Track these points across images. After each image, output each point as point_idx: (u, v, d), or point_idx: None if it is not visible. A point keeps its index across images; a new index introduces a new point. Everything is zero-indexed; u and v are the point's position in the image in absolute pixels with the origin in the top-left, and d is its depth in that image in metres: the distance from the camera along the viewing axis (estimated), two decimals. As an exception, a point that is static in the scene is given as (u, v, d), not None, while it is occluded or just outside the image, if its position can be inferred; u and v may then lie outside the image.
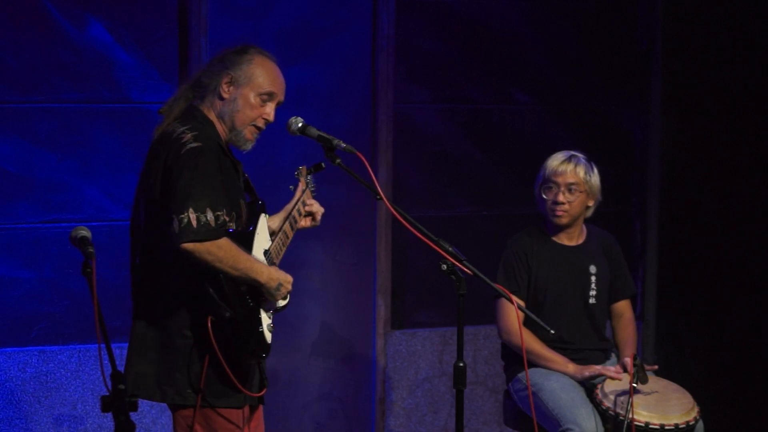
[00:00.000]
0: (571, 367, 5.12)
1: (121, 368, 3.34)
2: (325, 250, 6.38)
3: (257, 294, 4.01)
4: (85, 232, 3.53)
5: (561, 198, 5.19)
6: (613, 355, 5.35)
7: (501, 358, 5.38)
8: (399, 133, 6.39)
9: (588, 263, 5.30)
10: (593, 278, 5.29)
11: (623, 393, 4.88)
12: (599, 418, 4.95)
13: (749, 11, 6.60)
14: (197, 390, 3.97)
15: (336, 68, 6.30)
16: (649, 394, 4.93)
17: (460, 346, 4.12)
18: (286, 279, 4.06)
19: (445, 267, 4.09)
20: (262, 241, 4.11)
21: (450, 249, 4.11)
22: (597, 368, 5.07)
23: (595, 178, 5.23)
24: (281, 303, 4.15)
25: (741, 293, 6.67)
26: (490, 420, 6.62)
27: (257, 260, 4.02)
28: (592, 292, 5.29)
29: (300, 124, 4.25)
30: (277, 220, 4.32)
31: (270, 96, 4.12)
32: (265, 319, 4.04)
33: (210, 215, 3.87)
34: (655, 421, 4.81)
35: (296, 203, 4.35)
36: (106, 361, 3.29)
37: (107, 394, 3.26)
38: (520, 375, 5.17)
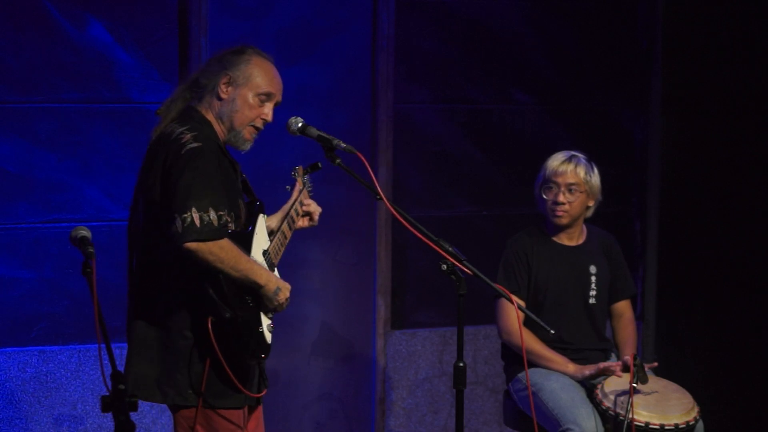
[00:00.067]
0: (571, 367, 5.12)
1: (121, 368, 3.34)
2: (325, 250, 6.38)
3: (257, 294, 4.01)
4: (85, 232, 3.53)
5: (561, 198, 5.19)
6: (613, 355, 5.35)
7: (501, 358, 5.38)
8: (399, 133, 6.39)
9: (588, 263, 5.30)
10: (593, 278, 5.29)
11: (623, 393, 4.88)
12: (599, 418, 4.95)
13: (749, 11, 6.61)
14: (198, 391, 3.97)
15: (336, 68, 6.30)
16: (649, 394, 4.93)
17: (460, 346, 4.12)
18: (285, 285, 4.06)
19: (445, 267, 4.09)
20: (260, 241, 4.11)
21: (450, 249, 4.11)
22: (597, 366, 5.07)
23: (595, 179, 5.23)
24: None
25: (741, 293, 6.67)
26: (490, 420, 6.62)
27: (257, 263, 4.02)
28: (592, 292, 5.29)
29: (300, 124, 4.25)
30: (274, 221, 4.32)
31: (268, 96, 4.12)
32: (265, 320, 4.04)
33: (213, 215, 3.87)
34: (655, 421, 4.81)
35: (294, 203, 4.35)
36: (106, 361, 3.29)
37: (107, 394, 3.26)
38: (520, 375, 5.17)
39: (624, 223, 6.86)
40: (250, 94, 4.10)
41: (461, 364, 4.12)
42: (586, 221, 5.35)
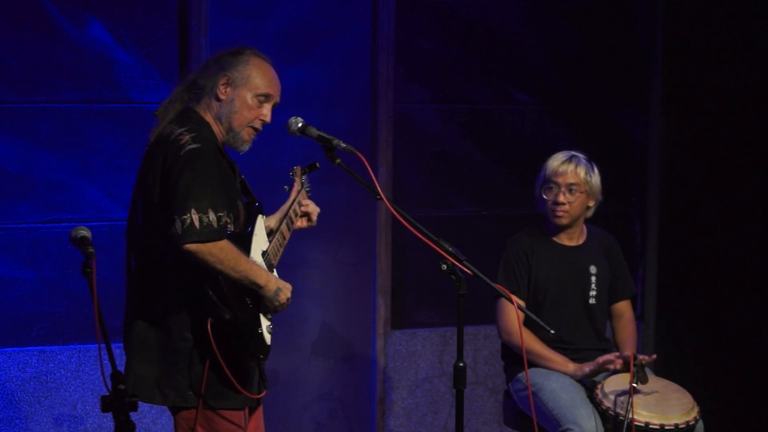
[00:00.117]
0: (571, 367, 5.12)
1: (121, 368, 3.34)
2: (325, 250, 6.38)
3: (256, 295, 4.01)
4: (85, 232, 3.53)
5: (561, 198, 5.19)
6: (613, 355, 5.35)
7: (501, 358, 5.38)
8: (399, 133, 6.38)
9: (588, 263, 5.30)
10: (593, 278, 5.29)
11: (623, 393, 4.88)
12: (599, 418, 4.94)
13: (749, 11, 6.60)
14: (198, 392, 3.96)
15: (336, 68, 6.30)
16: (649, 394, 4.93)
17: (460, 346, 4.12)
18: (286, 285, 4.06)
19: (445, 267, 4.09)
20: (259, 242, 4.11)
21: (450, 249, 4.11)
22: (596, 360, 5.06)
23: (595, 179, 5.23)
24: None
25: (741, 293, 6.67)
26: (490, 420, 6.62)
27: (257, 263, 4.02)
28: (592, 293, 5.29)
29: (300, 124, 4.25)
30: (273, 221, 4.32)
31: (267, 97, 4.13)
32: (264, 321, 4.04)
33: (212, 216, 3.87)
34: (655, 421, 4.81)
35: (292, 204, 4.34)
36: (106, 361, 3.29)
37: (107, 394, 3.26)
38: (520, 375, 5.17)
39: (624, 223, 6.86)
40: (249, 95, 4.10)
41: (461, 364, 4.12)
42: (587, 221, 5.35)
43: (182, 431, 4.03)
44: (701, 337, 6.80)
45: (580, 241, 5.33)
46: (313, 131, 4.23)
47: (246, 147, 4.15)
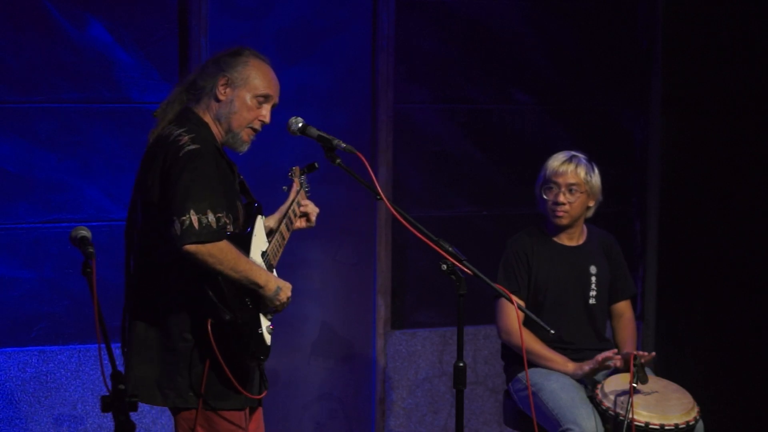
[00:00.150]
0: (570, 366, 5.12)
1: (121, 368, 3.34)
2: (325, 250, 6.38)
3: (256, 296, 4.01)
4: (85, 232, 3.53)
5: (562, 198, 5.19)
6: (613, 355, 5.35)
7: (501, 358, 5.38)
8: (399, 133, 6.38)
9: (588, 263, 5.30)
10: (593, 278, 5.29)
11: (623, 393, 4.88)
12: (599, 418, 4.94)
13: (749, 11, 6.60)
14: (198, 392, 3.97)
15: (336, 68, 6.30)
16: (649, 394, 4.93)
17: (460, 346, 4.12)
18: (286, 285, 4.06)
19: (445, 267, 4.09)
20: (259, 242, 4.11)
21: (450, 249, 4.11)
22: (595, 358, 5.06)
23: (595, 179, 5.23)
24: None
25: (741, 293, 6.67)
26: (490, 420, 6.62)
27: (256, 263, 4.02)
28: (592, 293, 5.29)
29: (300, 124, 4.25)
30: (272, 221, 4.32)
31: (266, 98, 4.13)
32: (264, 321, 4.04)
33: (211, 217, 3.87)
34: (655, 421, 4.81)
35: (291, 204, 4.34)
36: (106, 361, 3.29)
37: (107, 394, 3.26)
38: (520, 375, 5.17)
39: (624, 223, 6.86)
40: (248, 96, 4.10)
41: (461, 364, 4.12)
42: (587, 221, 5.35)
43: (183, 431, 4.04)
44: (701, 337, 6.80)
45: (580, 241, 5.33)
46: (313, 131, 4.23)
47: (245, 148, 4.15)
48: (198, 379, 3.97)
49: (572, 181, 5.18)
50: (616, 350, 5.06)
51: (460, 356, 4.12)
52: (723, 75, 6.70)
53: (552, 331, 4.51)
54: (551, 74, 6.68)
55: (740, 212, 6.68)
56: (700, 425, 4.94)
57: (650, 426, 4.79)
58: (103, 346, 3.28)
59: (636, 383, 4.83)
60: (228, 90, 4.09)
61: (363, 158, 4.10)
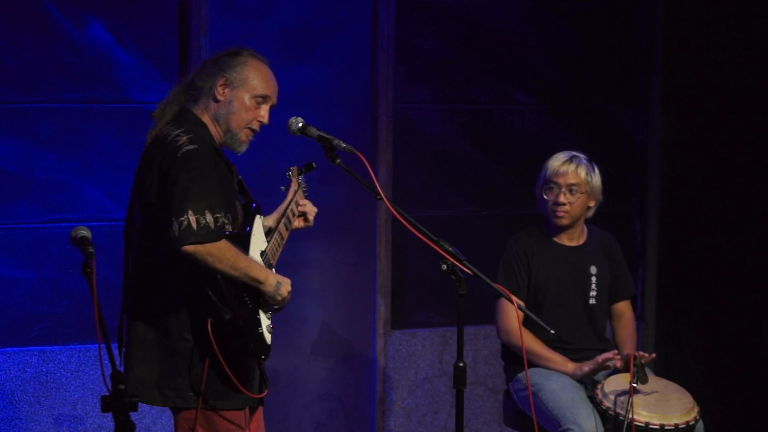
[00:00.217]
0: (570, 366, 5.12)
1: (121, 368, 3.34)
2: (325, 250, 6.38)
3: (256, 295, 4.01)
4: (85, 232, 3.53)
5: (562, 199, 5.19)
6: (613, 355, 5.35)
7: (501, 358, 5.38)
8: (399, 133, 6.38)
9: (588, 264, 5.30)
10: (593, 279, 5.29)
11: (623, 393, 4.88)
12: (599, 418, 4.94)
13: (749, 11, 6.60)
14: (198, 392, 3.97)
15: (336, 68, 6.30)
16: (649, 394, 4.93)
17: (460, 346, 4.12)
18: (285, 279, 4.07)
19: (445, 267, 4.09)
20: (258, 242, 4.11)
21: (450, 249, 4.11)
22: (595, 359, 5.06)
23: (596, 179, 5.23)
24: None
25: (741, 293, 6.67)
26: (490, 420, 6.62)
27: (255, 261, 4.02)
28: (593, 293, 5.29)
29: (300, 124, 4.25)
30: (270, 221, 4.32)
31: (264, 99, 4.13)
32: (264, 320, 4.05)
33: (209, 217, 3.87)
34: (655, 421, 4.81)
35: (289, 204, 4.35)
36: (106, 361, 3.29)
37: (107, 394, 3.26)
38: (520, 375, 5.17)
39: (624, 223, 6.86)
40: (247, 96, 4.10)
41: (461, 364, 4.12)
42: (587, 221, 5.35)
43: (183, 431, 4.04)
44: (701, 337, 6.80)
45: (581, 242, 5.33)
46: (313, 131, 4.23)
47: (243, 148, 4.15)
48: (198, 379, 3.97)
49: (573, 181, 5.18)
50: (616, 351, 5.06)
51: (460, 356, 4.12)
52: (723, 75, 6.70)
53: (552, 331, 4.51)
54: (551, 74, 6.68)
55: (740, 212, 6.68)
56: (700, 425, 4.94)
57: (650, 426, 4.79)
58: (103, 346, 3.28)
59: (636, 383, 4.83)
60: (227, 90, 4.09)
61: (363, 158, 4.09)
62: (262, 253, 4.11)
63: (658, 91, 6.84)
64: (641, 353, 4.93)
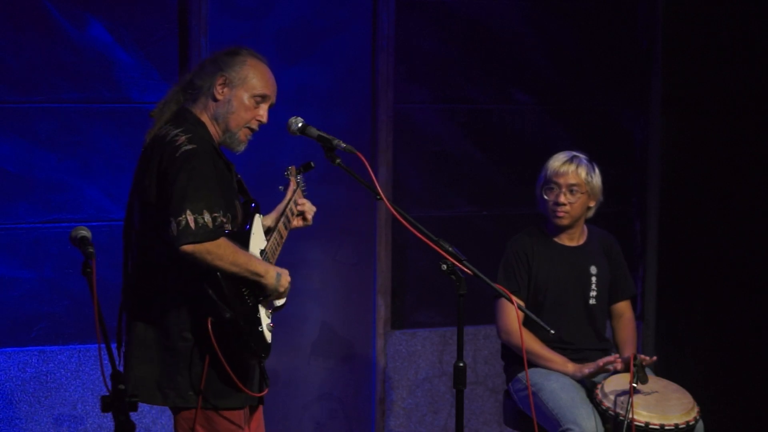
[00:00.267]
0: (570, 367, 5.12)
1: (120, 368, 3.34)
2: (325, 250, 6.38)
3: (256, 293, 4.01)
4: (85, 232, 3.53)
5: (562, 199, 5.19)
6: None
7: (501, 358, 5.38)
8: (399, 133, 6.38)
9: (588, 264, 5.30)
10: (594, 279, 5.29)
11: (623, 393, 4.88)
12: (599, 418, 4.94)
13: (749, 11, 6.60)
14: (198, 392, 3.97)
15: (336, 68, 6.30)
16: (649, 394, 4.93)
17: (460, 346, 4.12)
18: (283, 270, 4.08)
19: (445, 267, 4.09)
20: (257, 241, 4.12)
21: (450, 249, 4.11)
22: (596, 362, 5.06)
23: (596, 179, 5.23)
24: (278, 302, 4.15)
25: (741, 293, 6.67)
26: (490, 420, 6.61)
27: (254, 255, 4.03)
28: (593, 293, 5.29)
29: (300, 124, 4.25)
30: (269, 220, 4.32)
31: (264, 98, 4.13)
32: (264, 319, 4.05)
33: (207, 217, 3.87)
34: (655, 421, 4.81)
35: (288, 203, 4.35)
36: (106, 361, 3.29)
37: (107, 394, 3.26)
38: (520, 375, 5.17)
39: (624, 223, 6.86)
40: (246, 96, 4.10)
41: (461, 364, 4.12)
42: (587, 221, 5.35)
43: (183, 431, 4.04)
44: (701, 337, 6.80)
45: (581, 242, 5.33)
46: (313, 131, 4.23)
47: (242, 147, 4.15)
48: (198, 378, 3.97)
49: (573, 181, 5.18)
50: (618, 355, 5.05)
51: (460, 356, 4.12)
52: (723, 75, 6.70)
53: (552, 331, 4.51)
54: (551, 74, 6.68)
55: (740, 212, 6.68)
56: (700, 425, 4.94)
57: (650, 426, 4.79)
58: (103, 346, 3.28)
59: (636, 383, 4.83)
60: (226, 89, 4.09)
61: (363, 158, 4.09)
62: (262, 252, 4.12)
63: (658, 91, 6.84)
64: (643, 356, 4.93)
